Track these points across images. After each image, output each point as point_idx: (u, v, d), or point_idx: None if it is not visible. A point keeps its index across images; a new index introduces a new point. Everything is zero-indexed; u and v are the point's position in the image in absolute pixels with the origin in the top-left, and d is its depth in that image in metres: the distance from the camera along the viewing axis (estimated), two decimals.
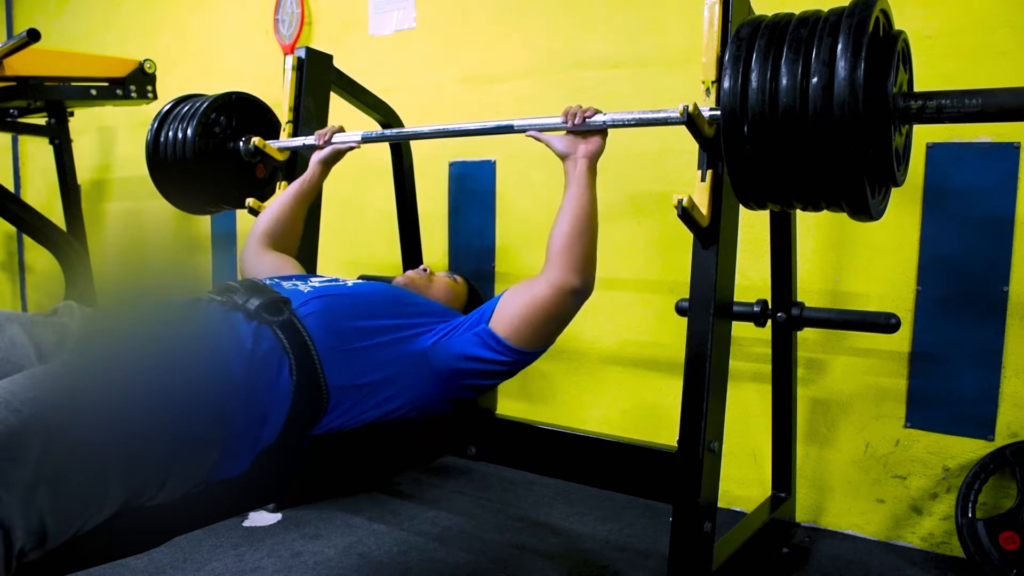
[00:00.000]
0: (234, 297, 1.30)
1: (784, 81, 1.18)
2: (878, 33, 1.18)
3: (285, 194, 1.90)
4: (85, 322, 1.20)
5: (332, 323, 1.34)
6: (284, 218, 1.87)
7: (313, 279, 1.53)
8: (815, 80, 1.15)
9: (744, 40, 1.25)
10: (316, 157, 1.92)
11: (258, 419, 1.20)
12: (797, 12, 1.27)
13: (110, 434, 0.98)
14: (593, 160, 1.48)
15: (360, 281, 1.57)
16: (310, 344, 1.28)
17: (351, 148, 1.90)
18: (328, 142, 1.90)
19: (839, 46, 1.13)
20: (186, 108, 2.32)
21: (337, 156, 1.92)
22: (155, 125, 2.33)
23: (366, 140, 1.86)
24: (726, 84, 1.24)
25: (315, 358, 1.28)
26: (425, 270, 1.79)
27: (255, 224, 1.87)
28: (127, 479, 1.00)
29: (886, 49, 1.17)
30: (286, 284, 1.45)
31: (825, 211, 1.33)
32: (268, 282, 1.45)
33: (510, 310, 1.42)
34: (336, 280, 1.54)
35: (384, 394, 1.38)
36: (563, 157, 1.50)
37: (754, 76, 1.21)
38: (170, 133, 2.29)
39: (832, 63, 1.14)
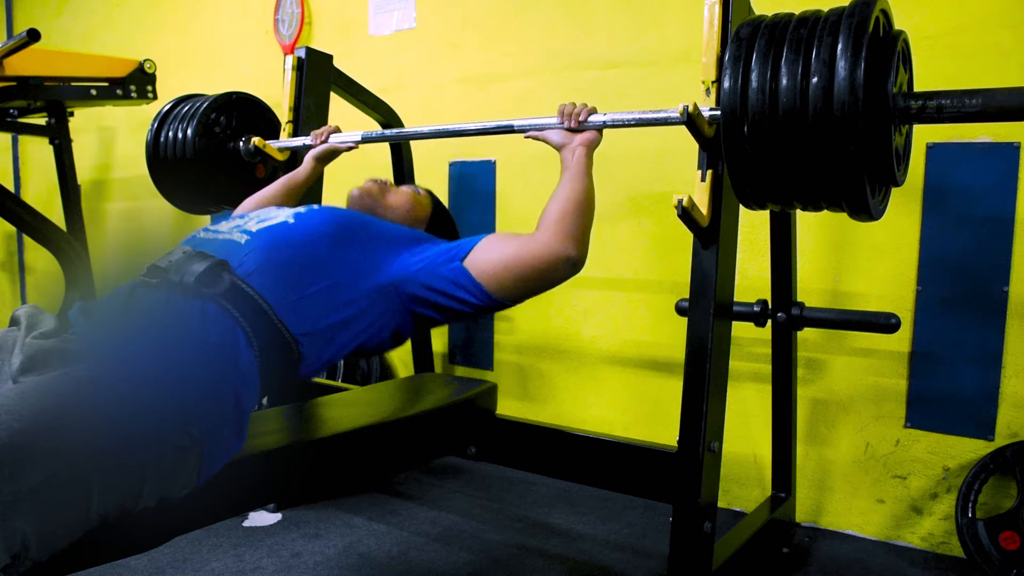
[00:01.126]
0: (169, 276, 1.20)
1: (784, 81, 1.18)
2: (878, 33, 1.18)
3: (273, 184, 1.85)
4: (27, 345, 1.12)
5: (278, 276, 1.25)
6: (267, 206, 1.83)
7: (252, 221, 1.39)
8: (815, 80, 1.15)
9: (744, 40, 1.25)
10: (311, 153, 1.91)
11: (232, 404, 1.16)
12: (797, 12, 1.27)
13: (83, 449, 0.95)
14: (590, 149, 1.47)
15: (303, 211, 1.42)
16: (262, 303, 1.20)
17: (349, 148, 1.90)
18: (325, 141, 1.90)
19: (839, 46, 1.13)
20: (186, 108, 2.32)
21: (332, 154, 1.91)
22: (155, 125, 2.33)
23: (366, 140, 1.86)
24: (726, 84, 1.24)
25: (272, 316, 1.21)
26: (385, 183, 1.66)
27: (237, 209, 1.84)
28: (105, 491, 0.98)
29: (886, 49, 1.17)
30: (220, 232, 1.35)
31: (825, 211, 1.33)
32: (203, 238, 1.36)
33: (494, 256, 1.34)
34: (276, 216, 1.40)
35: (357, 327, 1.32)
36: (559, 148, 1.49)
37: (754, 76, 1.21)
38: (170, 133, 2.29)
39: (832, 63, 1.14)
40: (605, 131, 1.50)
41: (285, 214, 1.40)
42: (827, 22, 1.18)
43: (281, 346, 1.22)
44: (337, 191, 2.46)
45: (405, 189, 1.67)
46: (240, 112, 2.32)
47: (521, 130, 1.58)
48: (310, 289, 1.27)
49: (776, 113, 1.19)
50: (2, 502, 0.86)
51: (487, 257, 1.34)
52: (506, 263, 1.33)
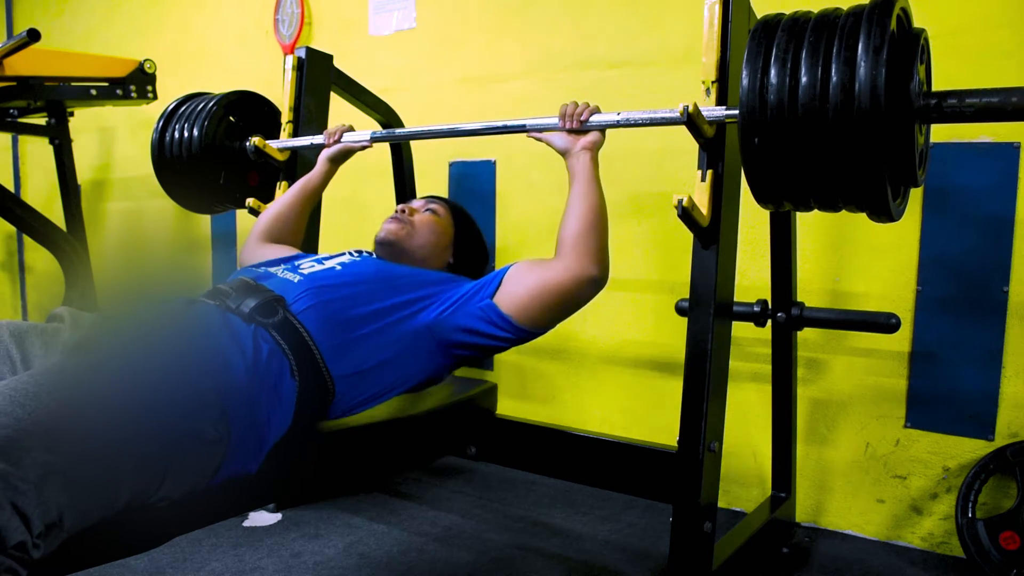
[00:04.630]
0: (227, 301, 1.27)
1: (804, 78, 1.16)
2: (900, 30, 1.17)
3: (288, 193, 1.89)
4: (81, 325, 1.19)
5: (329, 316, 1.32)
6: (285, 217, 1.85)
7: (302, 263, 1.49)
8: (836, 78, 1.13)
9: (762, 37, 1.23)
10: (324, 154, 1.91)
11: (263, 422, 1.19)
12: (814, 11, 1.25)
13: (118, 429, 0.98)
14: (594, 152, 1.48)
15: (347, 260, 1.53)
16: (309, 341, 1.27)
17: (363, 147, 1.89)
18: (338, 141, 1.89)
19: (860, 43, 1.11)
20: (194, 106, 2.31)
21: (346, 154, 1.91)
22: (160, 124, 2.32)
23: (376, 139, 1.86)
24: (744, 82, 1.21)
25: (316, 355, 1.27)
26: (403, 211, 1.66)
27: (255, 223, 1.87)
28: (136, 474, 1.00)
29: (908, 47, 1.16)
30: (275, 272, 1.43)
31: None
32: (258, 272, 1.42)
33: (519, 289, 1.39)
34: (324, 262, 1.50)
35: (391, 373, 1.38)
36: (564, 153, 1.50)
37: (773, 73, 1.19)
38: (176, 132, 2.28)
39: (853, 60, 1.12)
40: (605, 131, 1.50)
41: (332, 262, 1.50)
42: (847, 19, 1.16)
43: (319, 384, 1.27)
44: (337, 190, 2.48)
45: (425, 217, 1.67)
46: (249, 110, 2.32)
47: (532, 129, 1.58)
48: (354, 333, 1.33)
49: (796, 112, 1.17)
50: (39, 472, 0.88)
51: (513, 290, 1.40)
52: (532, 293, 1.38)
